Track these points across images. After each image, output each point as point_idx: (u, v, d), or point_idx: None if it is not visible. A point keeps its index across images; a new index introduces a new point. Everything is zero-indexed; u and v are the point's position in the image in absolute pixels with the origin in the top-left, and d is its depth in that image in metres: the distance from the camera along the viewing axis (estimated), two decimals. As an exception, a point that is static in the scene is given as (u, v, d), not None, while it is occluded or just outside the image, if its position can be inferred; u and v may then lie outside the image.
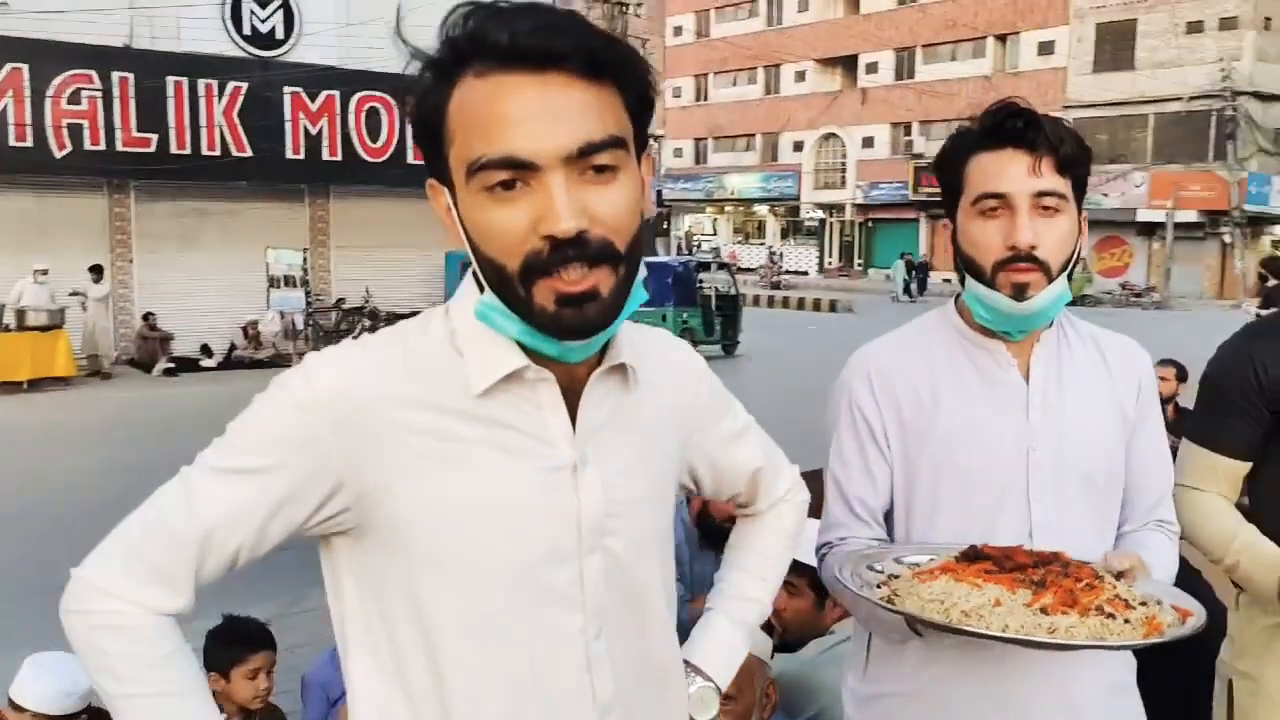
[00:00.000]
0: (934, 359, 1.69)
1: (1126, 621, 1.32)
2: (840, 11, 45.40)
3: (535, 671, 1.09)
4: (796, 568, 2.73)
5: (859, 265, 44.84)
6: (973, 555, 1.45)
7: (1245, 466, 2.06)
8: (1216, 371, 2.11)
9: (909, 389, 1.67)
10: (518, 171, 0.97)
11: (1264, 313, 12.44)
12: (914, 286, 34.43)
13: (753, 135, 48.41)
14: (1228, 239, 33.78)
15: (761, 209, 49.13)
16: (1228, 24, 33.68)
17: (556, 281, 0.98)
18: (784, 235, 48.41)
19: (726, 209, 50.57)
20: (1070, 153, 1.56)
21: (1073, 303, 1.69)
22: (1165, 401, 8.92)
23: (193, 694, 1.08)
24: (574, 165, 0.97)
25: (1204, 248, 34.57)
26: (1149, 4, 35.31)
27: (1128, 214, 35.38)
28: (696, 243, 46.95)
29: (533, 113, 0.96)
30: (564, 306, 0.99)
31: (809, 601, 2.66)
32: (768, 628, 3.92)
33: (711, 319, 18.44)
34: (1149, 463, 1.73)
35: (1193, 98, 33.77)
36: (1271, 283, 13.62)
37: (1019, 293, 1.56)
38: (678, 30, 49.78)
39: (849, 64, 44.99)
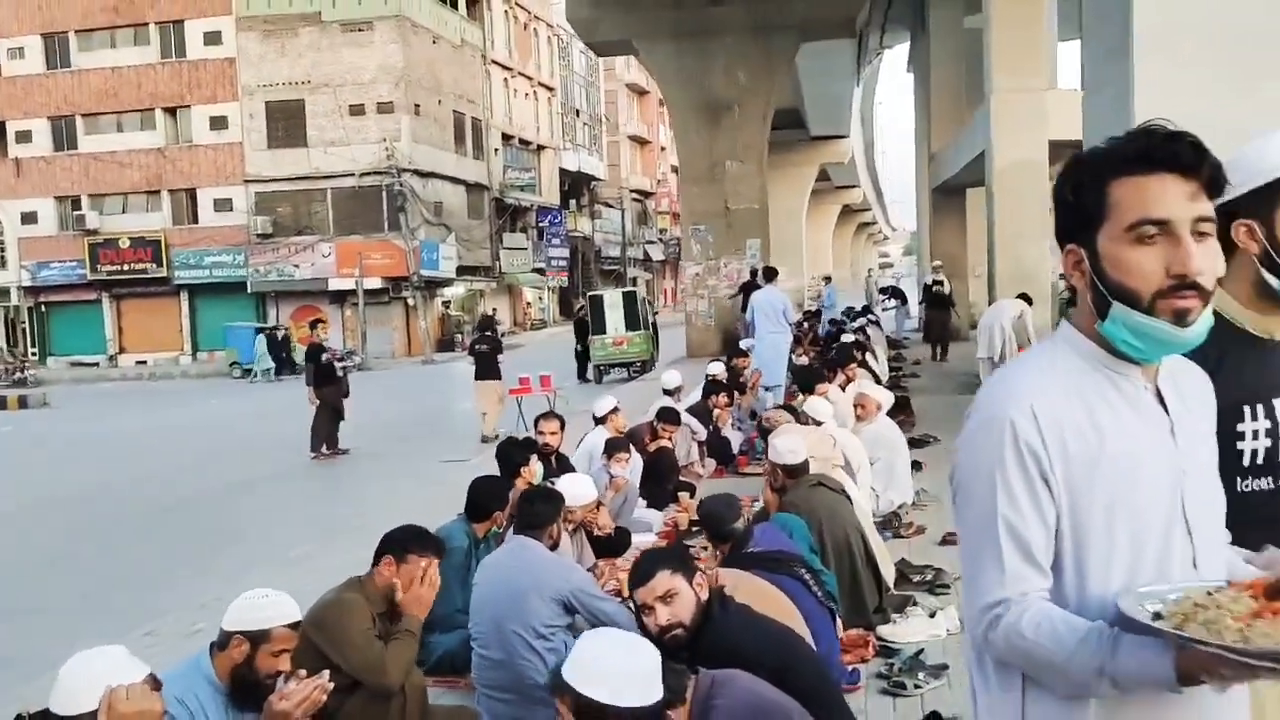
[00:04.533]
0: (1082, 389, 1.62)
1: None
2: (-24, 72, 40.08)
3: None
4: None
5: (34, 355, 39.81)
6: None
7: None
8: None
9: (1073, 423, 1.59)
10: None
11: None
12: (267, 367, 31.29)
13: (-127, 210, 40.16)
14: (410, 301, 37.03)
15: (-106, 297, 40.96)
16: (385, 108, 37.07)
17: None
18: (-69, 327, 40.88)
19: None
20: (1219, 177, 1.56)
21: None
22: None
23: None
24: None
25: (390, 311, 37.41)
26: (312, 86, 37.30)
27: (320, 283, 36.85)
28: None
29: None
30: (1178, 320, 1.54)
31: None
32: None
33: None
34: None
35: (363, 174, 36.46)
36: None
37: (1180, 319, 1.54)
38: None
39: (-6, 131, 39.93)
